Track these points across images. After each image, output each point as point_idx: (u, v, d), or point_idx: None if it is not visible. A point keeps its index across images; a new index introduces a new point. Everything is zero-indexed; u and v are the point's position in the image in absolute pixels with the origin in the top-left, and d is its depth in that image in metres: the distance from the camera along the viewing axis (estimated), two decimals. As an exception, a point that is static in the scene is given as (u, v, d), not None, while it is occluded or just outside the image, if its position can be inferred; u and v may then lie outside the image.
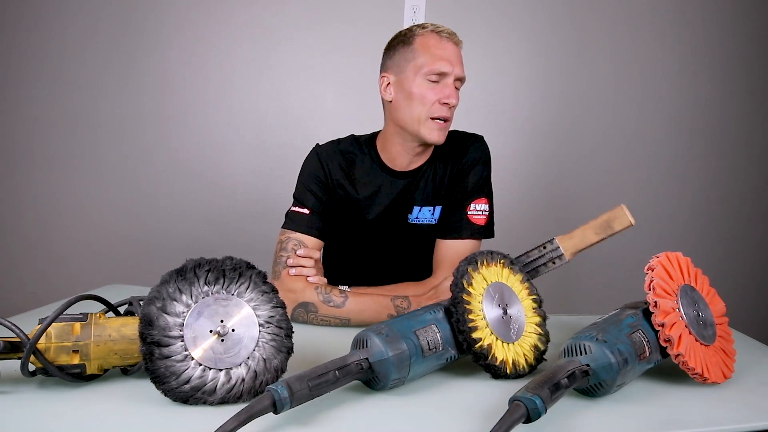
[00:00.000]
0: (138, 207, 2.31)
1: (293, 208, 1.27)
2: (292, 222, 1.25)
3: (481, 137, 1.32)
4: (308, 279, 1.15)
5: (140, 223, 2.32)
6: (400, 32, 1.27)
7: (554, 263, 1.05)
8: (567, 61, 2.28)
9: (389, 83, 1.25)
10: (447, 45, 1.20)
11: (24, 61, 2.28)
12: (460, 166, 1.28)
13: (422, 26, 1.23)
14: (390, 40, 1.28)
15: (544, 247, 1.06)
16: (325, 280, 1.18)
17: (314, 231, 1.24)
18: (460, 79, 1.21)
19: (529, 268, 1.05)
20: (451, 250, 1.24)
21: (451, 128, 1.33)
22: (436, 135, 1.20)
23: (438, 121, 1.20)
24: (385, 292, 1.17)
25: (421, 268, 1.31)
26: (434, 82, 1.19)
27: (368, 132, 1.35)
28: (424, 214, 1.30)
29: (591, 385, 0.75)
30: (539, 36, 2.27)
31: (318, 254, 1.22)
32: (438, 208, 1.30)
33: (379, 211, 1.30)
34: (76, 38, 2.26)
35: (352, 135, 1.36)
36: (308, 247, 1.21)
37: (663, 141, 2.32)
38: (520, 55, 2.28)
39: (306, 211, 1.25)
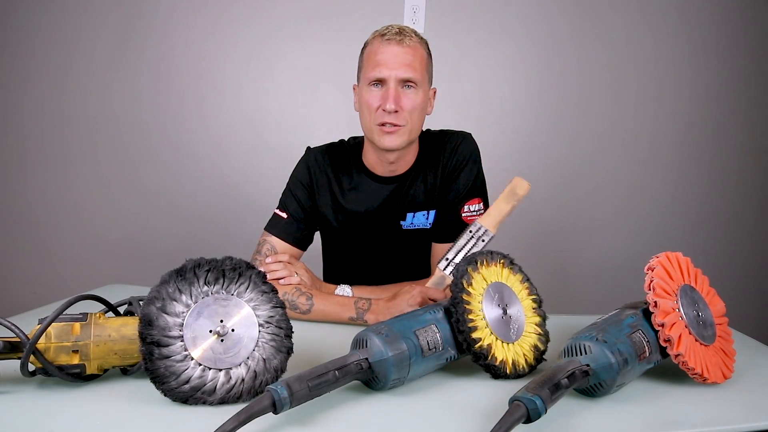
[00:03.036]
0: (138, 207, 2.31)
1: (276, 210, 1.29)
2: (271, 224, 1.28)
3: (469, 134, 1.29)
4: (280, 282, 1.16)
5: (140, 223, 2.32)
6: None
7: (484, 241, 1.12)
8: (567, 62, 2.27)
9: (356, 94, 1.27)
10: (388, 48, 1.16)
11: (24, 63, 2.28)
12: (450, 168, 1.26)
13: (375, 32, 1.21)
14: None
15: (471, 231, 1.13)
16: (298, 279, 1.17)
17: (289, 237, 1.26)
18: (407, 80, 1.16)
19: (465, 252, 1.11)
20: None
21: (441, 127, 1.33)
22: (386, 141, 1.18)
23: (385, 126, 1.18)
24: (379, 292, 1.18)
25: (419, 269, 1.30)
26: (377, 88, 1.18)
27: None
28: (419, 219, 1.29)
29: (591, 385, 0.75)
30: (539, 35, 2.27)
31: (285, 257, 1.21)
32: (432, 212, 1.29)
33: (367, 216, 1.29)
34: (75, 39, 2.26)
35: (342, 139, 1.36)
36: (279, 252, 1.24)
37: (663, 141, 2.32)
38: (520, 55, 2.28)
39: (285, 215, 1.27)
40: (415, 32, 1.20)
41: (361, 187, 1.29)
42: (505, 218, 1.14)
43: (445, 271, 1.11)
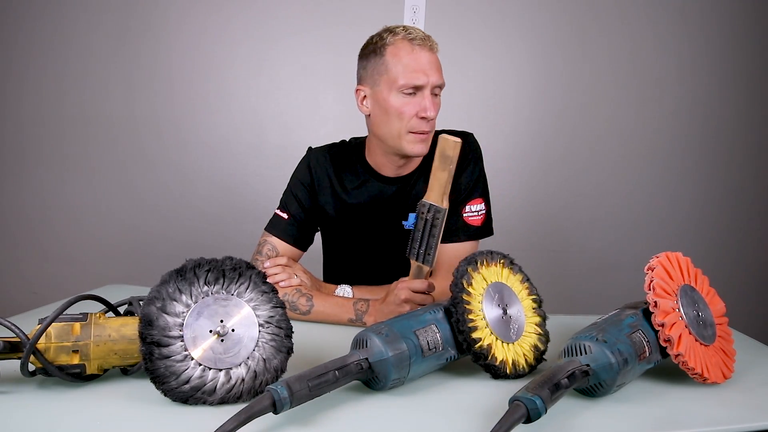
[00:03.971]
0: (138, 207, 2.31)
1: (277, 211, 1.29)
2: (272, 225, 1.28)
3: (471, 135, 1.29)
4: (280, 284, 1.16)
5: (140, 224, 2.31)
6: (372, 39, 1.20)
7: (438, 218, 1.03)
8: (567, 61, 2.27)
9: (365, 96, 1.21)
10: (420, 53, 1.14)
11: (25, 62, 2.28)
12: None
13: (393, 32, 1.16)
14: (362, 48, 1.22)
15: (422, 214, 1.04)
16: (298, 281, 1.17)
17: (290, 238, 1.26)
18: (439, 86, 1.16)
19: (426, 236, 1.04)
20: (449, 254, 1.23)
21: (443, 127, 1.33)
22: (418, 148, 1.18)
23: (418, 134, 1.17)
24: (380, 292, 1.18)
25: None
26: (410, 94, 1.15)
27: (366, 134, 1.34)
28: None
29: (591, 385, 0.75)
30: (539, 35, 2.27)
31: (284, 259, 1.21)
32: None
33: (370, 216, 1.29)
34: (75, 39, 2.26)
35: (344, 140, 1.36)
36: (280, 252, 1.24)
37: (663, 140, 2.32)
38: (520, 55, 2.28)
39: (286, 216, 1.27)
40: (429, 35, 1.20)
41: (364, 186, 1.29)
42: (449, 186, 1.03)
43: (417, 261, 1.07)
